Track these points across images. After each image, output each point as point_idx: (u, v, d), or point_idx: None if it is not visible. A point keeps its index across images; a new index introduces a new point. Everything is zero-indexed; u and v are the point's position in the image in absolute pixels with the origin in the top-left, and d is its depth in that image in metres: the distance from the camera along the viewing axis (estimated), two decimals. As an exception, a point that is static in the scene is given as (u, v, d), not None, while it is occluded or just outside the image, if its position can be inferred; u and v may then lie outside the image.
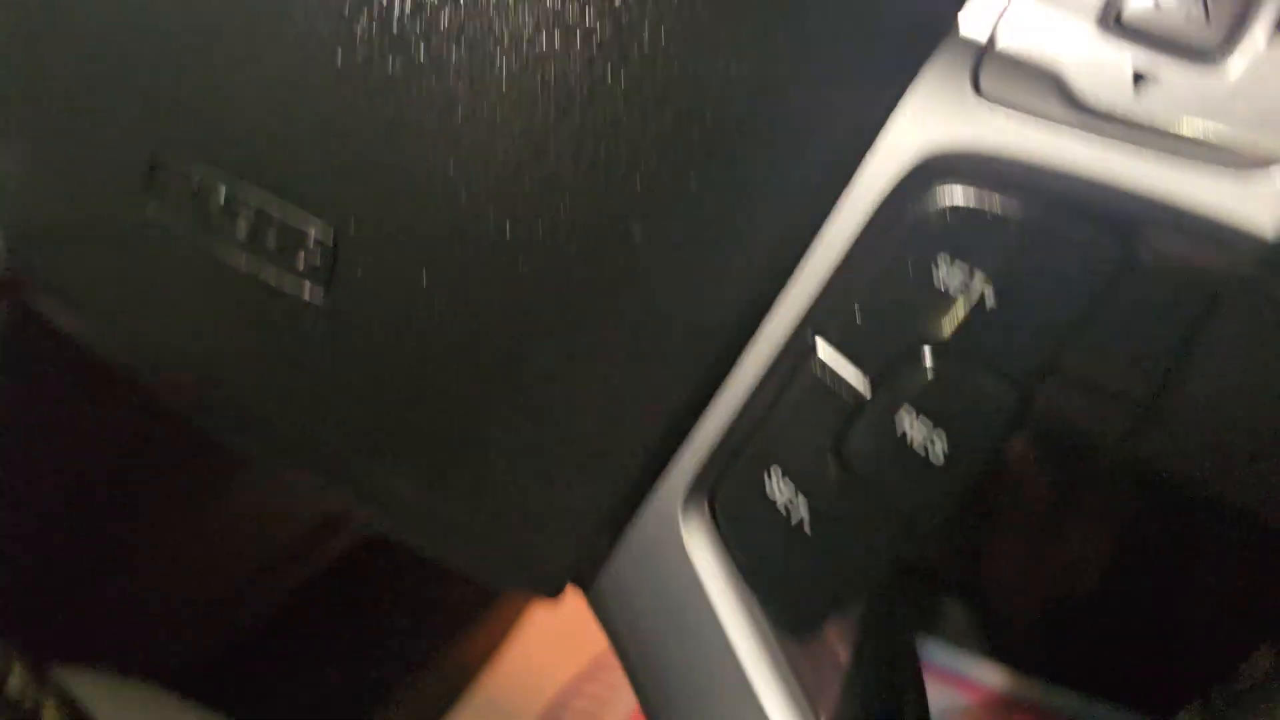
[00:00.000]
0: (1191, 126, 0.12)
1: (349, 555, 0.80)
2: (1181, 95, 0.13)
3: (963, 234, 0.14)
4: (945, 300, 0.14)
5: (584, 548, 0.17)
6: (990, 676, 0.86)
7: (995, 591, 0.91)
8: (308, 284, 0.17)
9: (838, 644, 0.17)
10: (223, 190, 0.17)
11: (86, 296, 0.22)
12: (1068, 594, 0.88)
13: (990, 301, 0.14)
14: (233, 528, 0.66)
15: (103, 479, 0.56)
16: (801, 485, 0.15)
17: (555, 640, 0.92)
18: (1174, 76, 0.12)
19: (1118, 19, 0.13)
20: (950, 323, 0.14)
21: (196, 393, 0.21)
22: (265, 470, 0.59)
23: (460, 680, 0.89)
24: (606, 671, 0.90)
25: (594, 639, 0.83)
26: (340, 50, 0.15)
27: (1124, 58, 0.13)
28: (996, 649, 0.87)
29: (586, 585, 0.19)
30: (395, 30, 0.15)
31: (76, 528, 0.56)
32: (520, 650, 0.91)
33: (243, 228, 0.17)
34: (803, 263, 0.15)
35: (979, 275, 0.14)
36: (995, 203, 0.14)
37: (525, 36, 0.14)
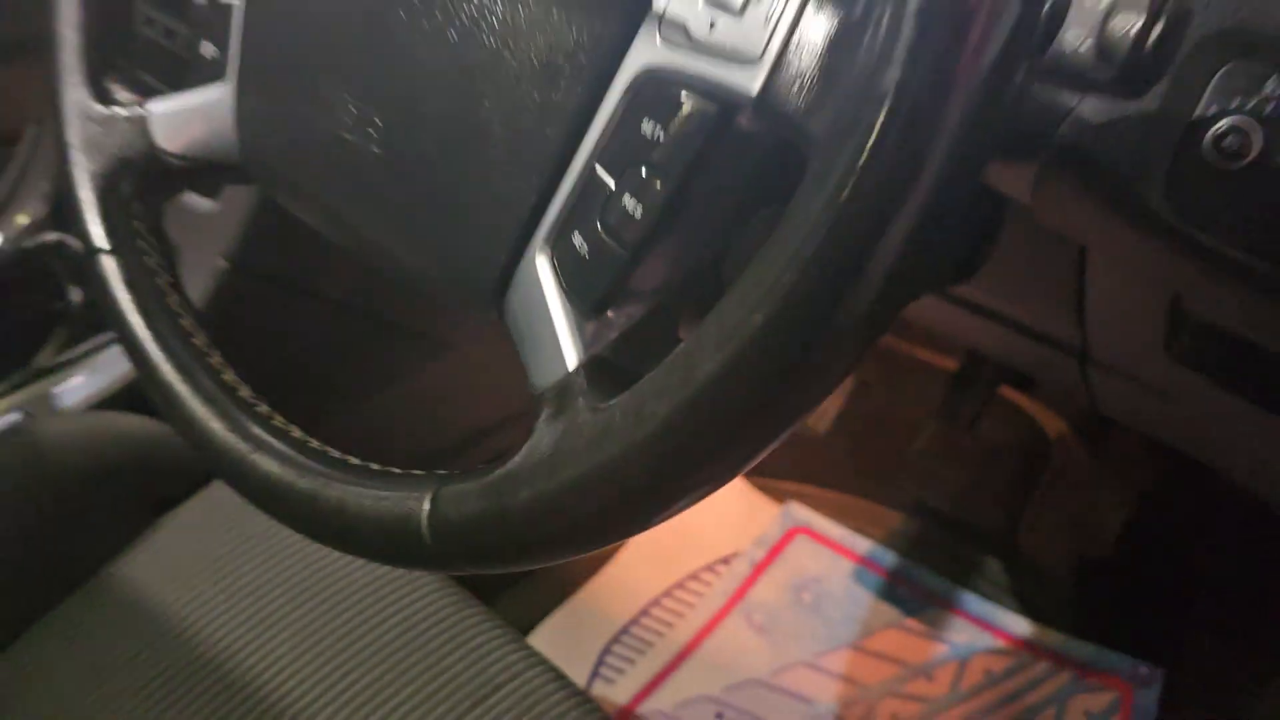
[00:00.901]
0: (731, 45, 0.27)
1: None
2: (726, 32, 0.28)
3: (652, 105, 0.29)
4: (646, 141, 0.29)
5: (495, 273, 0.33)
6: (1017, 626, 0.96)
7: (1024, 552, 1.01)
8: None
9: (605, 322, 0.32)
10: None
11: (305, 188, 0.40)
12: (1084, 555, 0.97)
13: (660, 138, 0.29)
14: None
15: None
16: (586, 239, 0.31)
17: (645, 563, 1.07)
18: (722, 23, 0.27)
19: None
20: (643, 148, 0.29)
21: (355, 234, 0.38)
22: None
23: (567, 588, 1.06)
24: (684, 590, 1.05)
25: (675, 566, 1.00)
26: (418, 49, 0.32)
27: (704, 13, 0.28)
28: (1024, 603, 0.96)
29: (500, 302, 0.35)
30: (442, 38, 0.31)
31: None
32: (617, 568, 1.07)
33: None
34: (590, 126, 0.31)
35: (657, 126, 0.29)
36: (667, 89, 0.29)
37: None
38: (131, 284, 0.43)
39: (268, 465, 0.37)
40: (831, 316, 0.25)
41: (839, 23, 0.27)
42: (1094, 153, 0.39)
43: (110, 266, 0.43)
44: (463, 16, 0.33)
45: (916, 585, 1.02)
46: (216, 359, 0.41)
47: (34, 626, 0.62)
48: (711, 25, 0.29)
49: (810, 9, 0.27)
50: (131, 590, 0.61)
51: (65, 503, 0.64)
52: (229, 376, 0.41)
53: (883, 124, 0.24)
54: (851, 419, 1.11)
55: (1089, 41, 0.31)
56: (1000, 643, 0.96)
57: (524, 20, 0.32)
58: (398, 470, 0.35)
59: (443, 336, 0.88)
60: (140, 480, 0.65)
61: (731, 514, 1.10)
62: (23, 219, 0.85)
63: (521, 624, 0.97)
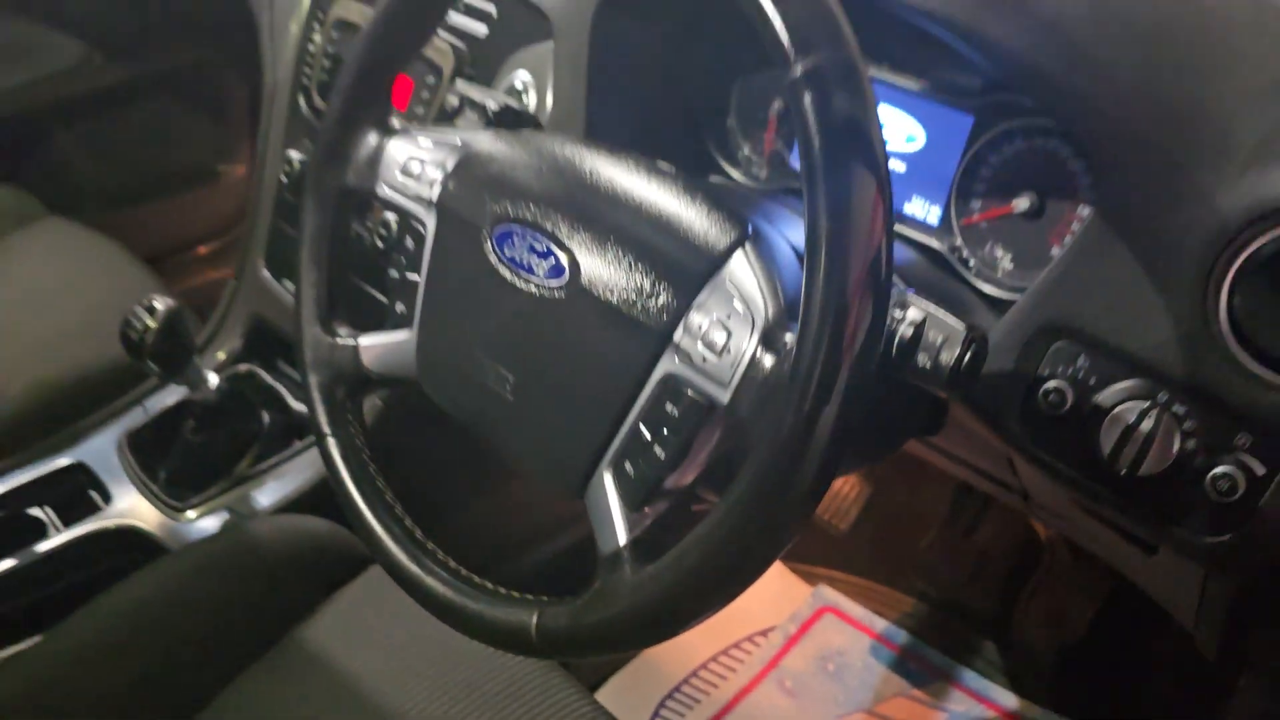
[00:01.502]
0: (714, 372, 0.50)
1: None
2: (712, 364, 0.50)
3: (671, 394, 0.53)
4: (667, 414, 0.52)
5: (579, 480, 0.54)
6: (1006, 700, 1.14)
7: (1015, 637, 1.19)
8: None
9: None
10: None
11: (457, 406, 0.63)
12: (1064, 641, 1.14)
13: (675, 414, 0.52)
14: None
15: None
16: (633, 466, 0.53)
17: (697, 631, 1.28)
18: (709, 358, 0.50)
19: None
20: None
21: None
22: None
23: (630, 653, 1.26)
24: (728, 656, 1.26)
25: (721, 635, 1.24)
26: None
27: (701, 350, 0.51)
28: (1013, 680, 1.14)
29: (582, 494, 0.56)
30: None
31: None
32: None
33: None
34: (636, 400, 0.53)
35: (674, 406, 0.52)
36: (680, 386, 0.53)
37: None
38: (345, 458, 0.66)
39: (434, 586, 0.60)
40: (781, 504, 0.46)
41: (772, 368, 0.48)
42: (974, 395, 0.60)
43: (332, 445, 0.66)
44: (567, 329, 0.56)
45: (923, 661, 1.21)
46: (399, 509, 0.64)
47: (229, 685, 0.81)
48: (704, 359, 0.51)
49: (757, 358, 0.49)
50: (309, 653, 0.83)
51: (258, 583, 0.87)
52: (408, 522, 0.64)
53: (793, 424, 0.44)
54: (873, 516, 1.31)
55: (929, 362, 0.52)
56: (991, 713, 1.15)
57: (599, 339, 0.54)
58: (518, 595, 0.57)
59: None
60: (316, 566, 0.88)
61: (771, 593, 1.30)
62: (221, 354, 1.10)
63: (590, 681, 1.17)
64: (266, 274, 1.08)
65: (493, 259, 0.58)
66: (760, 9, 0.45)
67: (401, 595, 0.68)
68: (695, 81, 0.84)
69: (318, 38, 1.01)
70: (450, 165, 0.63)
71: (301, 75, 1.02)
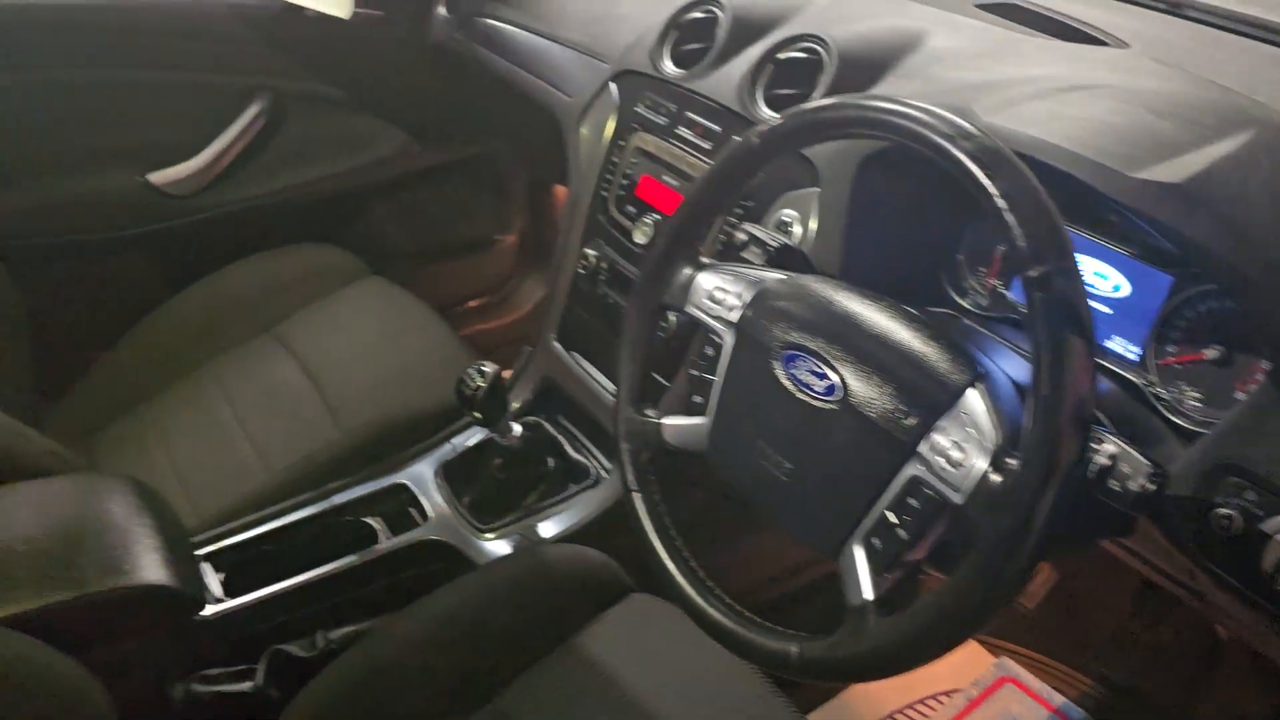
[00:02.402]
0: (954, 482, 0.68)
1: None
2: (951, 475, 0.67)
3: (914, 491, 0.70)
4: (910, 506, 0.71)
5: (835, 546, 0.73)
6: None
7: None
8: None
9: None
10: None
11: (748, 479, 0.83)
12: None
13: (916, 506, 0.69)
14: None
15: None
16: (880, 541, 0.71)
17: (891, 684, 1.43)
18: (949, 470, 0.67)
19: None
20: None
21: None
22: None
23: (838, 688, 1.42)
24: (914, 709, 1.40)
25: (911, 690, 1.42)
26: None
27: (939, 460, 0.69)
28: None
29: (835, 557, 0.74)
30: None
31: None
32: (872, 683, 1.44)
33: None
34: (885, 493, 0.72)
35: (916, 501, 0.69)
36: (922, 486, 0.71)
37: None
38: (648, 510, 0.87)
39: (718, 618, 0.79)
40: (995, 585, 0.63)
41: (998, 483, 0.66)
42: (1156, 512, 0.75)
43: (637, 499, 0.88)
44: (836, 434, 0.74)
45: (1097, 739, 1.32)
46: (691, 559, 0.85)
47: (519, 677, 1.00)
48: (943, 469, 0.69)
49: (987, 475, 0.66)
50: (581, 659, 1.03)
51: (545, 599, 1.08)
52: (694, 564, 0.84)
53: (1012, 527, 0.62)
54: (1060, 598, 1.43)
55: (1119, 487, 0.68)
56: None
57: (861, 444, 0.73)
58: (781, 629, 0.76)
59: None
60: (590, 589, 1.09)
61: (958, 659, 1.44)
62: (515, 405, 1.35)
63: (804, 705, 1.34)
64: (558, 345, 1.32)
65: (780, 375, 0.78)
66: (1004, 222, 0.63)
67: (655, 619, 0.89)
68: (933, 223, 1.02)
69: (617, 160, 1.25)
70: (748, 297, 0.83)
71: (601, 189, 1.27)
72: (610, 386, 1.25)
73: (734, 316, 0.83)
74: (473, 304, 2.11)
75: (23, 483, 1.02)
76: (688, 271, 0.87)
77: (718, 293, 0.85)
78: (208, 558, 1.17)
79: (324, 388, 1.41)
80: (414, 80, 1.77)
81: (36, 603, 0.87)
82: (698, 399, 0.86)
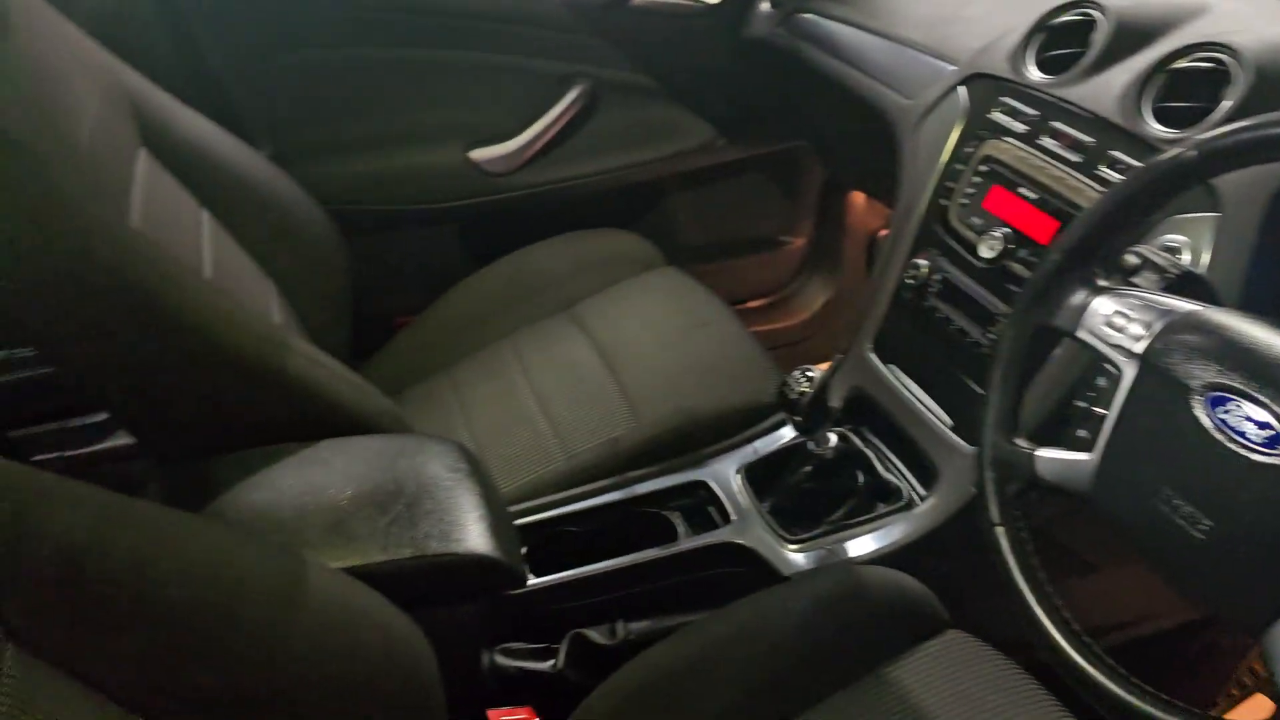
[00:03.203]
0: None
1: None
2: None
3: None
4: None
5: (1262, 623, 0.64)
6: None
7: None
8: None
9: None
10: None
11: (1139, 531, 0.75)
12: None
13: None
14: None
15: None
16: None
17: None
18: None
19: None
20: None
21: None
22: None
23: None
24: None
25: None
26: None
27: None
28: None
29: (1259, 636, 0.65)
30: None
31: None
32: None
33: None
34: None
35: None
36: None
37: None
38: (1013, 547, 0.80)
39: (1104, 682, 0.71)
40: None
41: None
42: None
43: (1001, 534, 0.80)
44: (1275, 494, 0.65)
45: None
46: (1058, 600, 0.77)
47: (816, 705, 0.95)
48: None
49: None
50: (890, 693, 0.96)
51: (857, 623, 1.01)
52: (1067, 614, 0.76)
53: None
54: None
55: None
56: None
57: None
58: (1181, 704, 0.67)
59: (1091, 557, 1.19)
60: (906, 618, 1.02)
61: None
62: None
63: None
64: (873, 356, 1.26)
65: (1203, 418, 0.69)
66: None
67: (973, 659, 0.82)
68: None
69: (961, 167, 1.17)
70: (1158, 327, 0.74)
71: (939, 197, 1.19)
72: (931, 405, 1.17)
73: (1138, 348, 0.74)
74: (753, 304, 2.08)
75: (363, 436, 1.07)
76: (1083, 294, 0.79)
77: (1118, 319, 0.76)
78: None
79: (621, 375, 1.41)
80: (728, 74, 1.75)
81: (380, 557, 0.90)
82: (1082, 433, 0.78)
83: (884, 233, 2.05)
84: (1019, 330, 0.83)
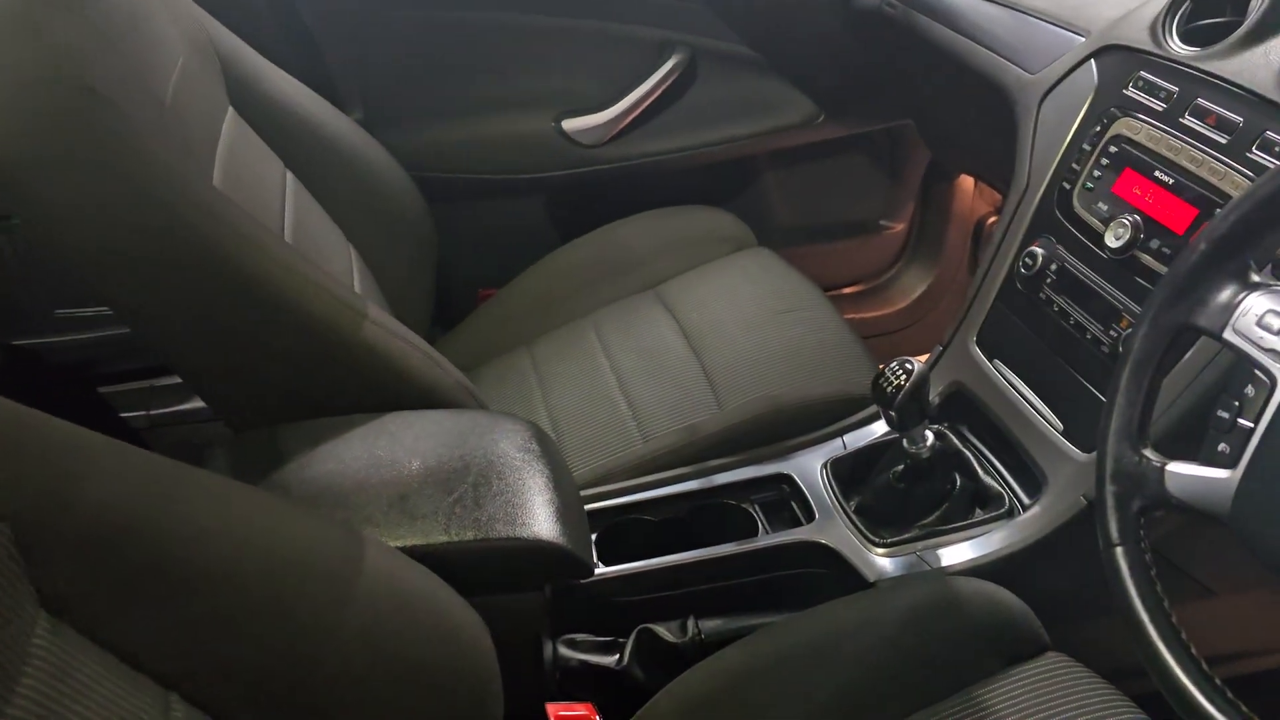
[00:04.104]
0: None
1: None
2: None
3: None
4: None
5: None
6: None
7: None
8: None
9: None
10: None
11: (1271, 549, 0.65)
12: None
13: None
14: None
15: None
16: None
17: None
18: None
19: None
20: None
21: None
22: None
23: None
24: None
25: None
26: None
27: None
28: None
29: None
30: None
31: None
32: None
33: None
34: None
35: None
36: None
37: None
38: (1133, 571, 0.71)
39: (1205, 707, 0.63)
40: None
41: None
42: None
43: (1119, 555, 0.72)
44: None
45: None
46: (1184, 634, 0.68)
47: None
48: None
49: None
50: (980, 715, 0.89)
51: (949, 637, 0.93)
52: (1194, 650, 0.67)
53: None
54: None
55: None
56: None
57: None
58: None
59: (1208, 583, 1.08)
60: (1002, 637, 0.94)
61: None
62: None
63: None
64: (977, 349, 1.17)
65: (1373, 438, 0.60)
66: None
67: (1072, 686, 0.75)
68: None
69: (1089, 148, 1.07)
70: (1322, 331, 0.65)
71: (1063, 179, 1.09)
72: (1040, 406, 1.08)
73: None
74: (848, 290, 1.99)
75: (433, 410, 1.03)
76: (1232, 289, 0.70)
77: (1273, 319, 0.67)
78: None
79: (705, 358, 1.35)
80: (835, 46, 1.66)
81: (442, 538, 0.86)
82: (1224, 447, 0.69)
83: (993, 220, 1.93)
84: (1155, 329, 0.74)
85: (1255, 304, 0.68)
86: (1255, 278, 0.70)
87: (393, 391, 1.01)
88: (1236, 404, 0.68)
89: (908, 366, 1.00)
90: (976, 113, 1.40)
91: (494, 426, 0.98)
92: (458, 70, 1.65)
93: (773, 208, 1.87)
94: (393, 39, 1.61)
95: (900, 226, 1.96)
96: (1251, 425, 0.67)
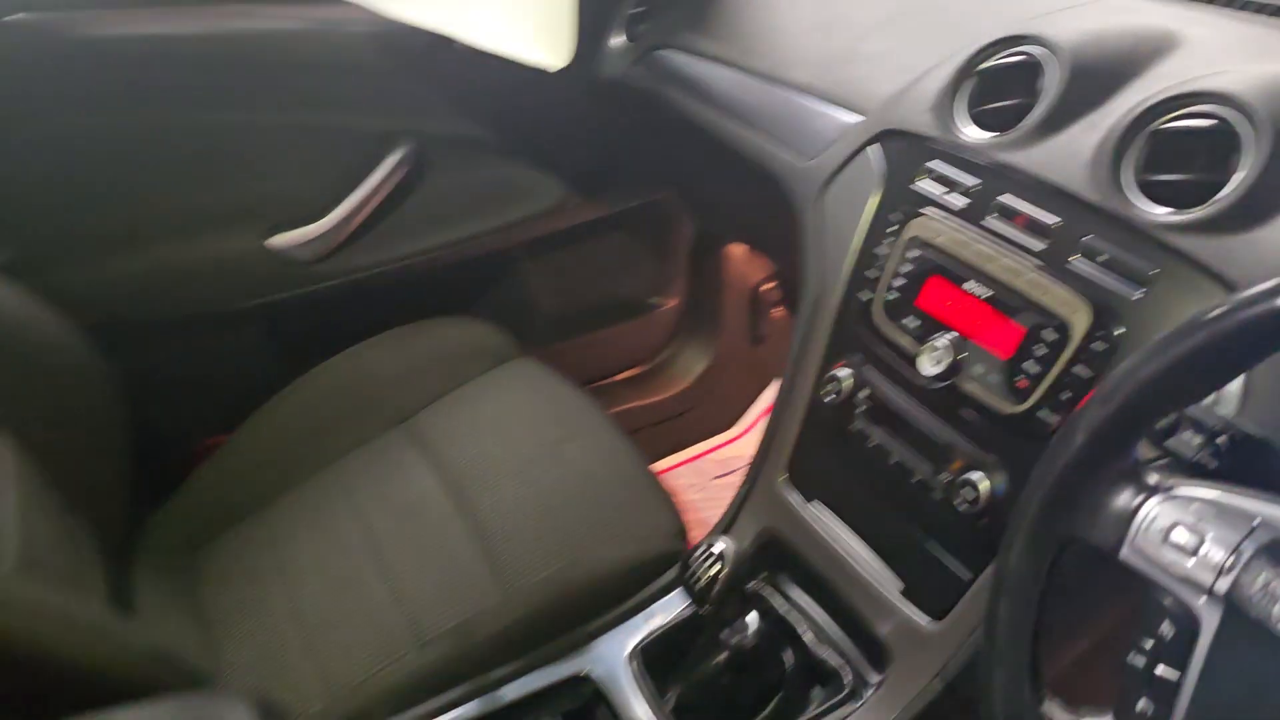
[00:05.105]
0: None
1: None
2: None
3: None
4: None
5: None
6: None
7: None
8: None
9: None
10: None
11: None
12: None
13: None
14: None
15: None
16: None
17: None
18: None
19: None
20: None
21: None
22: None
23: None
24: None
25: None
26: None
27: None
28: None
29: None
30: None
31: None
32: None
33: None
34: None
35: None
36: None
37: None
38: None
39: None
40: None
41: None
42: None
43: None
44: None
45: None
46: None
47: None
48: None
49: None
50: None
51: None
52: None
53: None
54: None
55: None
56: None
57: None
58: None
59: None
60: None
61: None
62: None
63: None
64: (789, 490, 1.00)
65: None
66: None
67: None
68: None
69: (883, 252, 0.92)
70: (1248, 551, 0.50)
71: (857, 289, 0.94)
72: (873, 561, 0.92)
73: (1220, 583, 0.50)
74: (624, 375, 1.80)
75: (117, 711, 0.74)
76: (1128, 494, 0.54)
77: (1180, 535, 0.52)
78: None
79: (475, 517, 1.12)
80: (581, 122, 1.47)
81: None
82: (1144, 705, 0.54)
83: (768, 286, 1.81)
84: (1032, 541, 0.58)
85: (1158, 514, 0.53)
86: (1152, 478, 0.55)
87: (62, 689, 0.73)
88: (1158, 647, 0.53)
89: (715, 550, 0.81)
90: (744, 185, 1.24)
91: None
92: (137, 185, 1.32)
93: (534, 302, 1.66)
94: (47, 150, 1.26)
95: (673, 303, 1.80)
96: (1175, 677, 0.52)
